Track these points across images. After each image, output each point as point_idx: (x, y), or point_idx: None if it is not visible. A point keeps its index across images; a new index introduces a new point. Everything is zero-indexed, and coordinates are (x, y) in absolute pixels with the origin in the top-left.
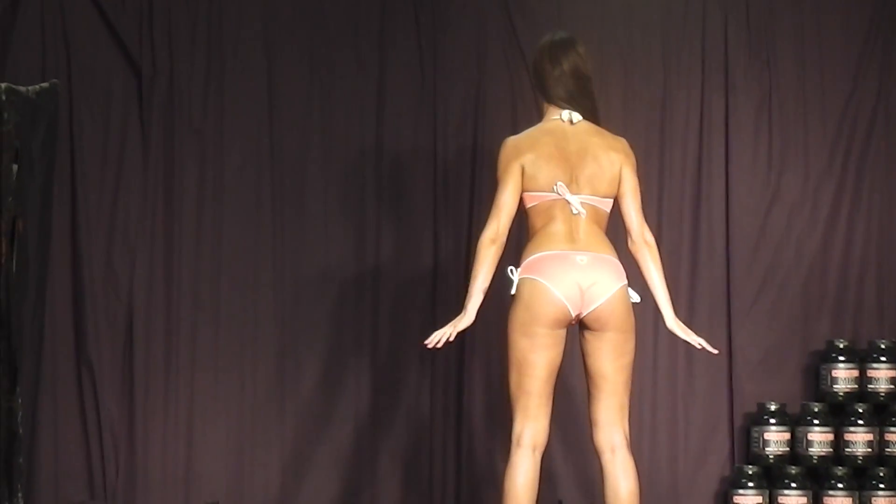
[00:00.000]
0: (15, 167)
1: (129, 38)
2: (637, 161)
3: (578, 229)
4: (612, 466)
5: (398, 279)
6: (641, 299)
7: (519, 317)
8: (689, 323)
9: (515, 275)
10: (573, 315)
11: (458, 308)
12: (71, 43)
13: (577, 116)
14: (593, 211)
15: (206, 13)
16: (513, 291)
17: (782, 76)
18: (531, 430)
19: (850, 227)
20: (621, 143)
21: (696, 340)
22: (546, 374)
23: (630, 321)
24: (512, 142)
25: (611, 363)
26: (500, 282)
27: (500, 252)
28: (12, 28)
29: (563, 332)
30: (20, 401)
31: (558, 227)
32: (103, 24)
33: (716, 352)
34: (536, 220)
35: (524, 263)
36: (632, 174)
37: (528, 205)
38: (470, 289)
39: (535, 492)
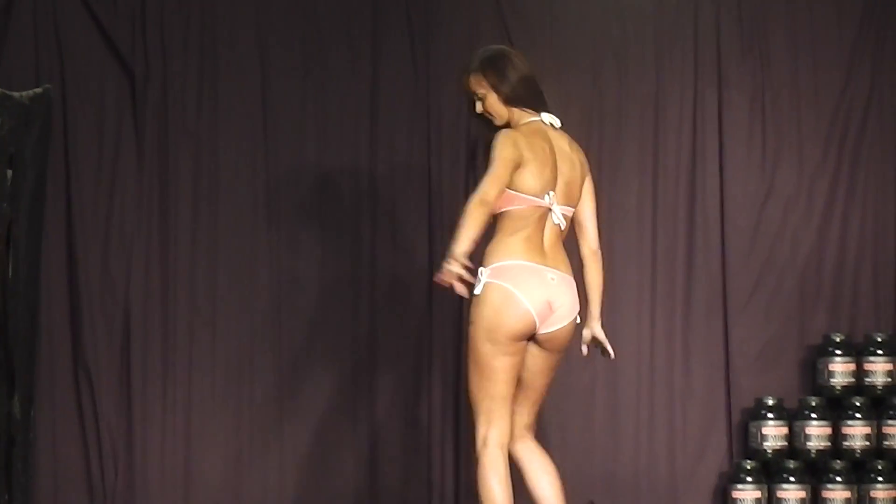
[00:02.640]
0: (9, 172)
1: (122, 42)
2: (631, 154)
3: (548, 241)
4: (533, 465)
5: (394, 280)
6: (633, 303)
7: (485, 321)
8: (686, 319)
9: (484, 276)
10: (536, 330)
11: (452, 304)
12: (64, 48)
13: (556, 121)
14: (565, 221)
15: (198, 16)
16: (478, 292)
17: (775, 70)
18: (497, 430)
19: (846, 220)
20: (579, 148)
21: (609, 350)
22: (509, 378)
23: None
24: (513, 135)
25: (544, 379)
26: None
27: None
28: (5, 33)
29: (525, 343)
30: (18, 405)
31: (531, 235)
32: (96, 29)
33: (612, 355)
34: (510, 223)
35: (494, 267)
36: (591, 181)
37: (510, 206)
38: (460, 237)
39: (510, 487)
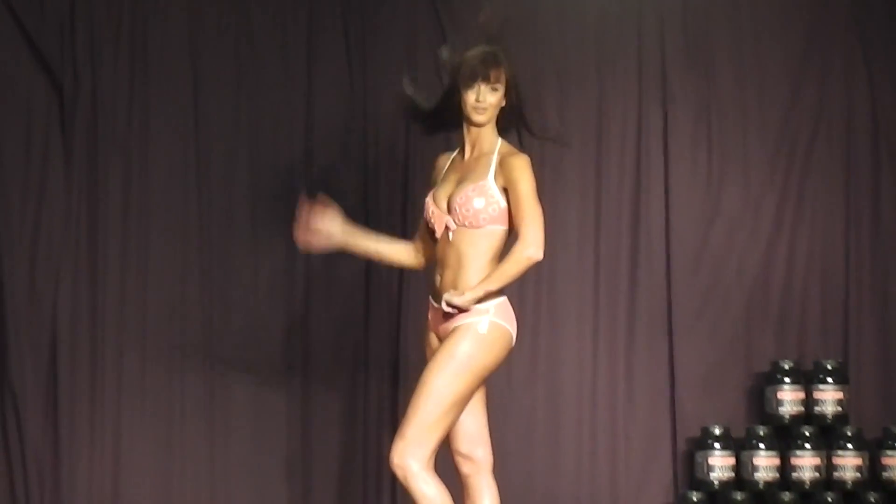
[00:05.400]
0: None
1: (49, 52)
2: (573, 173)
3: None
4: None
5: (329, 294)
6: (574, 325)
7: (482, 363)
8: (630, 340)
9: (491, 312)
10: None
11: (390, 319)
12: None
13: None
14: None
15: (129, 25)
16: (483, 330)
17: (721, 86)
18: (432, 461)
19: (793, 241)
20: None
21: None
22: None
23: None
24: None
25: None
26: None
27: None
28: None
29: None
30: None
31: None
32: (23, 37)
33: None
34: (499, 245)
35: (499, 304)
36: None
37: (505, 225)
38: (493, 284)
39: None
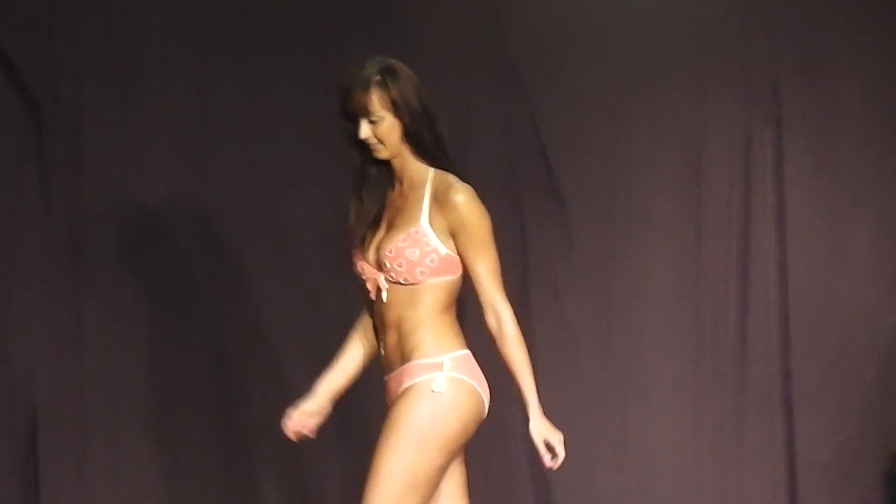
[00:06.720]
0: None
1: (22, 61)
2: (666, 211)
3: None
4: None
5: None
6: (670, 399)
7: (450, 431)
8: (739, 418)
9: (446, 368)
10: None
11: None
12: None
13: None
14: None
15: (120, 28)
16: (439, 388)
17: (847, 104)
18: None
19: None
20: None
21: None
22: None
23: None
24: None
25: None
26: None
27: None
28: None
29: None
30: None
31: (455, 313)
32: None
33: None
34: (447, 296)
35: (459, 356)
36: None
37: (453, 274)
38: (529, 380)
39: None
